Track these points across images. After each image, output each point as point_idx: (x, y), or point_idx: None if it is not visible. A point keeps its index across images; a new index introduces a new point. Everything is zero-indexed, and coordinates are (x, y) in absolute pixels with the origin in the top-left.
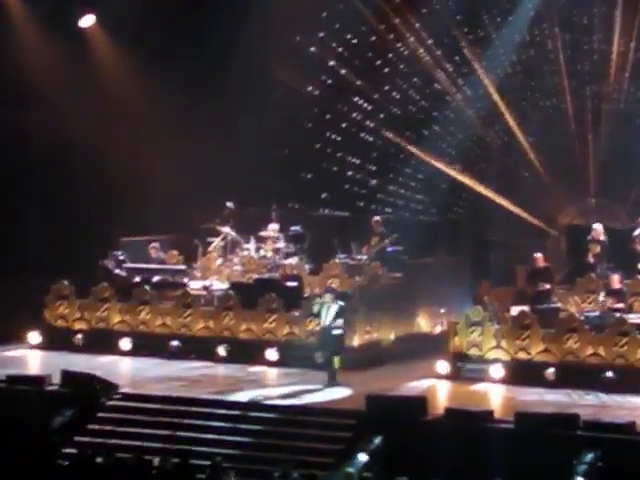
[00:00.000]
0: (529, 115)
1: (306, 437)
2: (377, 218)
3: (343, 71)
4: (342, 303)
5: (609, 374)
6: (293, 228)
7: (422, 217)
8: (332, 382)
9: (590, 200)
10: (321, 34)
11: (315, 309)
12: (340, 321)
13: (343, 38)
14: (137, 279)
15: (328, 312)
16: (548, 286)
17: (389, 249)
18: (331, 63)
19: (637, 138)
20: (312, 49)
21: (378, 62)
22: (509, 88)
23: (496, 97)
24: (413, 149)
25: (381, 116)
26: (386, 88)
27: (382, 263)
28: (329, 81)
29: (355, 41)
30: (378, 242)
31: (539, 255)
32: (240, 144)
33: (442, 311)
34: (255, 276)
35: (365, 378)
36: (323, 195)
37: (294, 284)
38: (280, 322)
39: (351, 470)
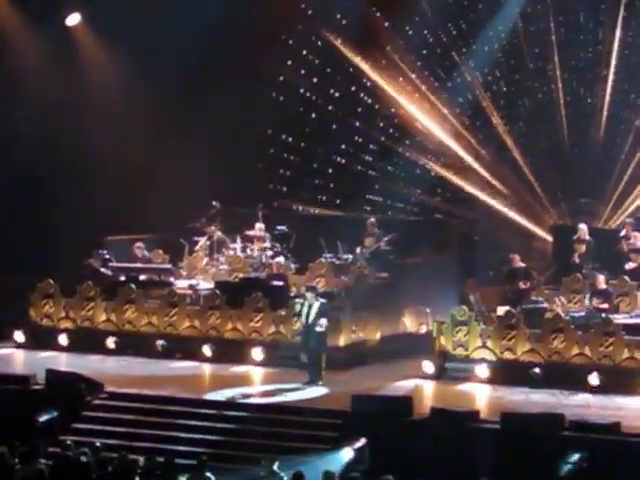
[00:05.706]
0: (515, 114)
1: (291, 436)
2: (372, 219)
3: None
4: (324, 301)
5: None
6: (279, 227)
7: (408, 216)
8: (317, 381)
9: (576, 200)
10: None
11: (297, 308)
12: (323, 319)
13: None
14: (123, 278)
15: (310, 310)
16: (527, 285)
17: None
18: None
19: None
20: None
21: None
22: (495, 88)
23: (482, 96)
24: (399, 149)
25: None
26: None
27: (369, 262)
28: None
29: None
30: (372, 243)
31: (516, 255)
32: (225, 143)
33: (428, 311)
34: (241, 275)
35: (350, 377)
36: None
37: (280, 283)
38: (266, 321)
39: (331, 469)
